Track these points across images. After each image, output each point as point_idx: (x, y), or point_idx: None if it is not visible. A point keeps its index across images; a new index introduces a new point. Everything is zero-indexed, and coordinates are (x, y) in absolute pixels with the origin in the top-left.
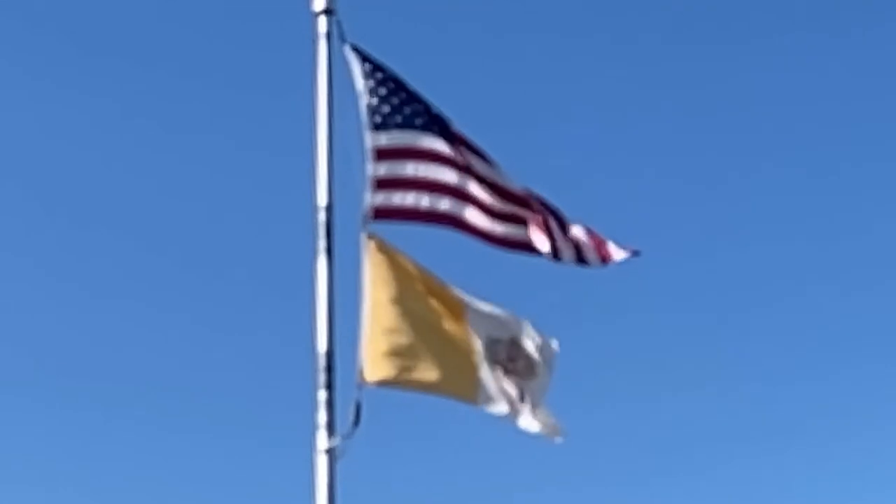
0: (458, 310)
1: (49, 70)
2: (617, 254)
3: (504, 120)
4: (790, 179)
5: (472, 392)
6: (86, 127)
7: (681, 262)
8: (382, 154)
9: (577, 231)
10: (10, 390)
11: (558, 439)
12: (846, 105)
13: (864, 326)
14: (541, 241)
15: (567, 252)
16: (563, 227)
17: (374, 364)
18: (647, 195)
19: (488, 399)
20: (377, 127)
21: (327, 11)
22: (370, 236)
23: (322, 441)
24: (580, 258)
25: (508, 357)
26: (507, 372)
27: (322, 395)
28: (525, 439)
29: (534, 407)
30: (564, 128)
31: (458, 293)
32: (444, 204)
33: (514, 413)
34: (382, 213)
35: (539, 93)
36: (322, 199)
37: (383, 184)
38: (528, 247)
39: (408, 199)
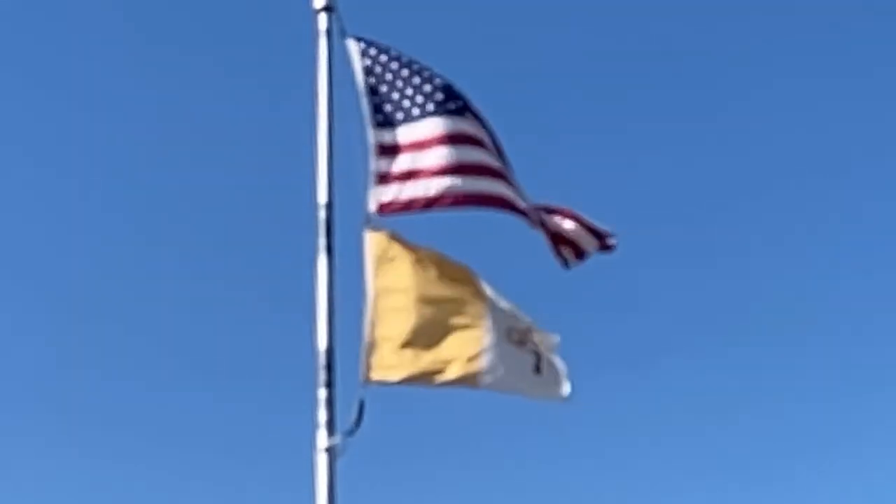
0: (470, 286)
1: (44, 66)
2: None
3: (506, 117)
4: (809, 189)
5: (476, 377)
6: (84, 127)
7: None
8: (385, 150)
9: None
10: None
11: (564, 399)
12: (855, 106)
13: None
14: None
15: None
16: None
17: (376, 362)
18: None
19: (494, 381)
20: (379, 124)
21: (327, 8)
22: (373, 229)
23: (322, 440)
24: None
25: (517, 327)
26: (521, 342)
27: (322, 393)
28: (526, 438)
29: (548, 371)
30: (568, 127)
31: (467, 268)
32: (449, 184)
33: (523, 388)
34: (386, 208)
35: (542, 89)
36: (322, 196)
37: (386, 178)
38: (530, 217)
39: (412, 189)
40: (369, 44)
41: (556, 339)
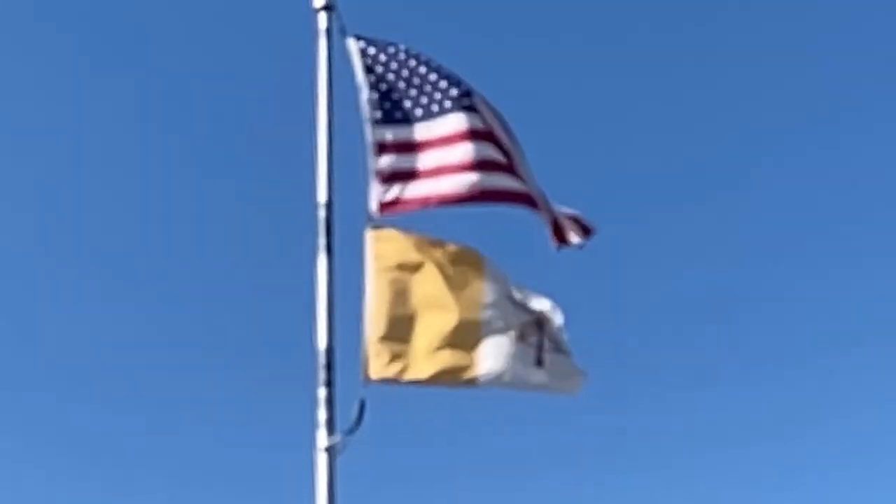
0: (475, 280)
1: (43, 65)
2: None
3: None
4: (778, 187)
5: (476, 378)
6: (82, 126)
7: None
8: (384, 148)
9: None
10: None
11: (575, 392)
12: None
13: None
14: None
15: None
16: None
17: (376, 361)
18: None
19: (493, 379)
20: (378, 122)
21: (327, 7)
22: (374, 227)
23: (322, 439)
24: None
25: (527, 310)
26: (523, 336)
27: (322, 392)
28: (527, 438)
29: (553, 361)
30: (566, 128)
31: (477, 256)
32: (449, 182)
33: (523, 383)
34: (388, 206)
35: (541, 90)
36: (322, 195)
37: (386, 177)
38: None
39: (413, 188)
40: (369, 42)
41: (559, 319)
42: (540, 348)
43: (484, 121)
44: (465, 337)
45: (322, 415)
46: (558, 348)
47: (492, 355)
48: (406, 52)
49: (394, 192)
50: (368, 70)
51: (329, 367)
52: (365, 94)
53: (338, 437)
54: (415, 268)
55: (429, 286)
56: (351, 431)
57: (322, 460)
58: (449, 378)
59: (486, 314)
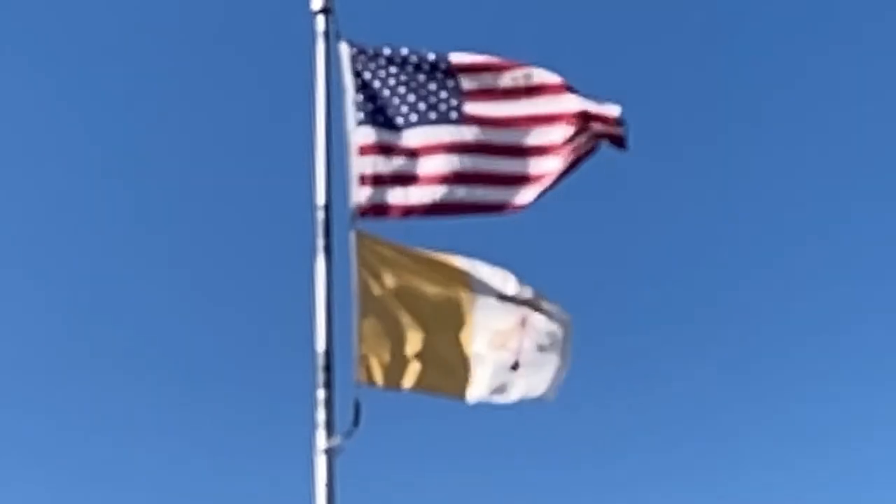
0: (460, 286)
1: (43, 65)
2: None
3: None
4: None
5: (461, 388)
6: (82, 126)
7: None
8: (366, 150)
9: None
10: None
11: (550, 397)
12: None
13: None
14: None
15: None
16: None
17: (365, 368)
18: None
19: (479, 388)
20: (361, 123)
21: (325, 10)
22: (358, 233)
23: (321, 440)
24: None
25: (500, 329)
26: (503, 344)
27: (321, 394)
28: (528, 438)
29: (532, 364)
30: None
31: (461, 264)
32: (437, 193)
33: (501, 394)
34: (369, 210)
35: None
36: (320, 198)
37: (368, 180)
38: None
39: (394, 195)
40: (361, 48)
41: (562, 320)
42: (518, 352)
43: (478, 124)
44: (449, 347)
45: (321, 416)
46: (541, 347)
47: (475, 370)
48: (399, 57)
49: (376, 196)
50: (357, 74)
51: (328, 368)
52: (350, 96)
53: (337, 439)
54: (401, 279)
55: (414, 294)
56: (349, 433)
57: (321, 462)
58: (435, 390)
59: (470, 321)
